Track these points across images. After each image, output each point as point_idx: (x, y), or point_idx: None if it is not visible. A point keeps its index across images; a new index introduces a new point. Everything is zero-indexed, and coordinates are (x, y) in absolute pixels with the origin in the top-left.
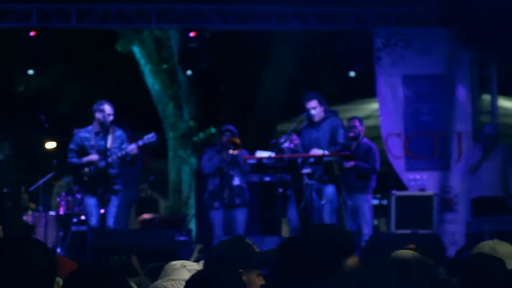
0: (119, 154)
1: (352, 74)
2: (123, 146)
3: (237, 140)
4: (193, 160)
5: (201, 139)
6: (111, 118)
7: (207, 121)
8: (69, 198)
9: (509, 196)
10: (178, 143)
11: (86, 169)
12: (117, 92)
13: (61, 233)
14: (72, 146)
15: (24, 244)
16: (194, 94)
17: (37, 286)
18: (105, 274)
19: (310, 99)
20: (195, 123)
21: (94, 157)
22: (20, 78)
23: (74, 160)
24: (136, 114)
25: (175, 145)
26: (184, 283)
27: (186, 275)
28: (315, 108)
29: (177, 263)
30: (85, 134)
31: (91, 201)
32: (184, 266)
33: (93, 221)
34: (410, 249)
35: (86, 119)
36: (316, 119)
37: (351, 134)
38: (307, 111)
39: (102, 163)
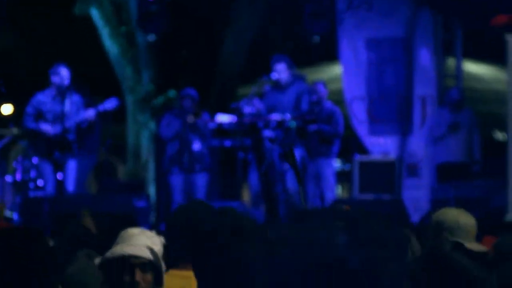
0: (77, 120)
1: (316, 38)
2: (80, 111)
3: (198, 107)
4: (152, 125)
5: (160, 103)
6: (67, 82)
7: (167, 85)
8: (26, 162)
9: (474, 162)
10: (137, 107)
11: (42, 134)
12: (74, 55)
13: (17, 199)
14: (28, 109)
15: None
16: (153, 57)
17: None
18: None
19: (278, 61)
20: (154, 87)
21: (48, 128)
22: None
23: (31, 124)
24: (94, 78)
25: (133, 109)
26: (146, 248)
27: (147, 241)
28: (282, 71)
29: (135, 229)
30: (42, 97)
31: (47, 167)
32: (143, 233)
33: (49, 187)
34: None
35: (43, 83)
36: (283, 82)
37: (314, 98)
38: (274, 72)
39: (59, 128)
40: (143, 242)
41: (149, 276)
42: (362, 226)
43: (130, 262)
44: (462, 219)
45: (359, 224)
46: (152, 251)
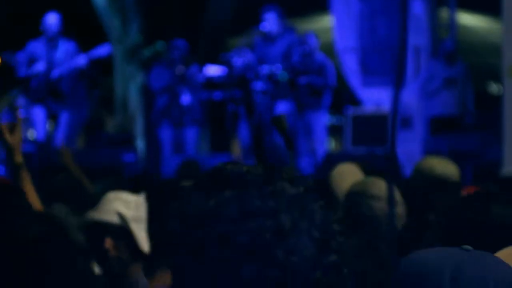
0: (69, 67)
1: None
2: (73, 59)
3: (187, 59)
4: (141, 77)
5: (149, 55)
6: (58, 29)
7: (155, 36)
8: (11, 115)
9: (468, 114)
10: (124, 59)
11: (35, 80)
12: (62, 4)
13: (2, 153)
14: (21, 56)
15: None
16: (141, 8)
17: None
18: None
19: (268, 11)
20: (142, 38)
21: (41, 67)
22: None
23: (23, 72)
24: (80, 29)
25: (121, 60)
26: (115, 214)
27: (120, 207)
28: (272, 22)
29: (113, 194)
30: (35, 45)
31: (38, 112)
32: (120, 198)
33: (40, 134)
34: None
35: (34, 31)
36: (273, 33)
37: (305, 49)
38: (264, 22)
39: (51, 75)
40: (113, 207)
41: (121, 244)
42: (253, 192)
43: (100, 229)
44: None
45: (251, 189)
46: (122, 217)
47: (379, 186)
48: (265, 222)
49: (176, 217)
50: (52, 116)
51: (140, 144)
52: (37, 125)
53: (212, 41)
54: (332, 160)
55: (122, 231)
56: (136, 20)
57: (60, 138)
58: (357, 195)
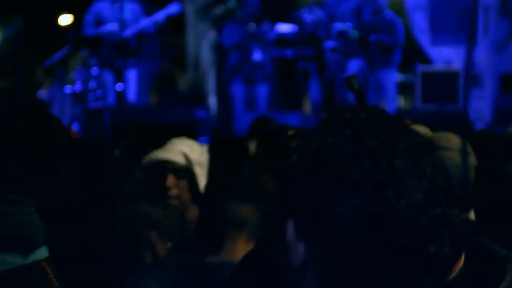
0: (137, 27)
1: None
2: (140, 18)
3: (259, 16)
4: (213, 34)
5: (221, 12)
6: None
7: None
8: (85, 73)
9: None
10: (196, 17)
11: (103, 42)
12: None
13: (77, 110)
14: (88, 17)
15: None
16: None
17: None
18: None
19: None
20: None
21: (110, 28)
22: None
23: (90, 32)
24: None
25: (193, 18)
26: (180, 154)
27: (185, 148)
28: None
29: (177, 138)
30: (101, 6)
31: (107, 76)
32: (184, 142)
33: (110, 97)
34: (409, 123)
35: None
36: None
37: (375, 7)
38: None
39: (120, 35)
40: (179, 148)
41: (183, 182)
42: (370, 134)
43: (164, 167)
44: None
45: (369, 131)
46: (186, 156)
47: (449, 138)
48: (380, 162)
49: (295, 152)
50: (122, 74)
51: (212, 101)
52: (107, 85)
53: None
54: (402, 117)
55: (186, 171)
56: None
57: (129, 96)
58: (440, 148)
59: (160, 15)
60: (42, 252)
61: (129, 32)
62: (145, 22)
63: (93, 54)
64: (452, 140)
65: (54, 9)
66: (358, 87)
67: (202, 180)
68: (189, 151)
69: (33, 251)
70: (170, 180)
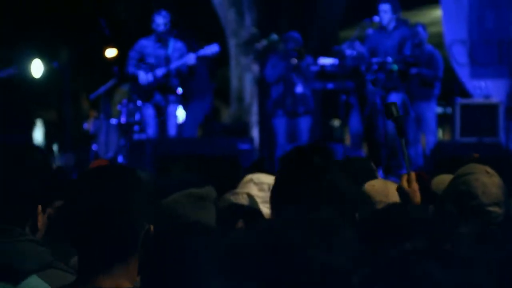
0: (178, 64)
1: None
2: (183, 57)
3: (300, 50)
4: (256, 67)
5: (264, 46)
6: (168, 27)
7: (268, 28)
8: (130, 105)
9: None
10: (240, 51)
11: (145, 78)
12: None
13: (122, 142)
14: (131, 53)
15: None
16: (256, 0)
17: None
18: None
19: (384, 2)
20: (257, 30)
21: (143, 77)
22: None
23: (133, 68)
24: (197, 22)
25: (236, 52)
26: (246, 196)
27: (253, 189)
28: (386, 12)
29: (248, 176)
30: (145, 42)
31: (149, 111)
32: (251, 180)
33: (151, 131)
34: (474, 158)
35: (146, 27)
36: (385, 23)
37: (415, 41)
38: (378, 14)
39: (160, 72)
40: (248, 189)
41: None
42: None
43: (232, 210)
44: None
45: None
46: (251, 199)
47: (472, 165)
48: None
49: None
50: (165, 109)
51: (254, 133)
52: (148, 119)
53: (325, 32)
54: (441, 149)
55: (254, 212)
56: (250, 13)
57: (170, 130)
58: (464, 174)
59: (198, 54)
60: (33, 281)
61: (168, 69)
62: (184, 60)
63: (134, 89)
64: (475, 167)
65: (100, 43)
66: (398, 114)
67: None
68: (256, 191)
69: (24, 279)
70: (240, 223)
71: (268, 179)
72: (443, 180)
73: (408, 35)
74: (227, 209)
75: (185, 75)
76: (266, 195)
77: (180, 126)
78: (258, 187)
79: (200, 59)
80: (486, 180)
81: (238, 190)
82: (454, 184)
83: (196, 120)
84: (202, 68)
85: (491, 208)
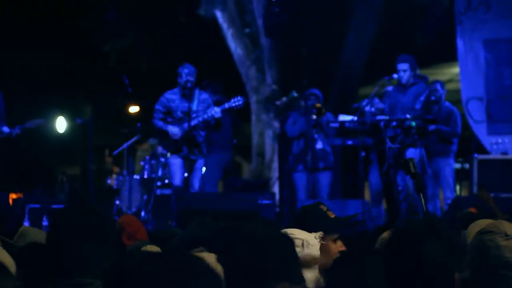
0: (204, 117)
1: (433, 39)
2: (208, 110)
3: (320, 107)
4: (276, 124)
5: (284, 103)
6: (192, 80)
7: (289, 85)
8: (153, 161)
9: None
10: (261, 107)
11: (173, 131)
12: (199, 56)
13: (145, 197)
14: (158, 106)
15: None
16: (276, 58)
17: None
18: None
19: (403, 61)
20: (278, 87)
21: (174, 131)
22: (105, 43)
23: (159, 123)
24: (219, 78)
25: (258, 109)
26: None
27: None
28: (405, 71)
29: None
30: (171, 95)
31: (176, 161)
32: (297, 237)
33: (177, 181)
34: (471, 212)
35: (170, 82)
36: (404, 81)
37: (433, 98)
38: (398, 71)
39: (186, 125)
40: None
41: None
42: None
43: None
44: None
45: None
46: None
47: (509, 226)
48: None
49: None
50: (189, 162)
51: (275, 188)
52: (174, 170)
53: (345, 90)
54: (459, 204)
55: None
56: (271, 70)
57: (195, 184)
58: (487, 233)
59: (224, 107)
60: None
61: (194, 122)
62: (210, 113)
63: (161, 142)
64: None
65: (123, 99)
66: (415, 170)
67: (308, 275)
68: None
69: None
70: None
71: (302, 235)
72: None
73: (422, 90)
74: None
75: (211, 128)
76: (300, 250)
77: (202, 180)
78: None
79: (225, 111)
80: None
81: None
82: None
83: (217, 174)
84: (226, 121)
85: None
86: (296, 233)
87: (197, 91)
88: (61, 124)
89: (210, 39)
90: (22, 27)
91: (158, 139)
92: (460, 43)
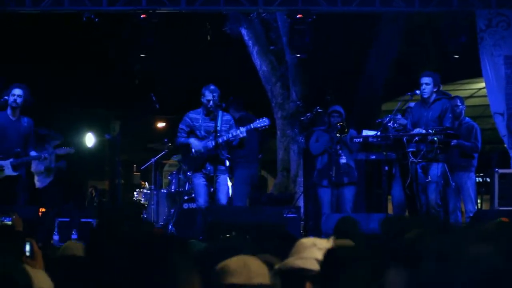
0: (229, 136)
1: (455, 56)
2: (231, 130)
3: (343, 125)
4: (301, 139)
5: (309, 119)
6: (216, 100)
7: (314, 101)
8: (180, 176)
9: None
10: (286, 123)
11: (197, 148)
12: (225, 73)
13: (172, 211)
14: (182, 126)
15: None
16: (301, 75)
17: None
18: None
19: (426, 76)
20: (302, 103)
21: (197, 144)
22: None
23: (183, 140)
24: (244, 95)
25: (283, 124)
26: (315, 261)
27: (317, 254)
28: (428, 84)
29: (307, 241)
30: (194, 115)
31: (199, 181)
32: (315, 245)
33: (201, 201)
34: (503, 221)
35: (195, 100)
36: (426, 95)
37: (456, 113)
38: (420, 86)
39: (210, 144)
40: (311, 254)
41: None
42: None
43: (300, 274)
44: None
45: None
46: (319, 263)
47: None
48: None
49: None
50: (214, 179)
51: (300, 203)
52: (198, 190)
53: (368, 106)
54: (480, 217)
55: (319, 276)
56: (295, 86)
57: (221, 198)
58: None
59: (249, 128)
60: None
61: (218, 141)
62: (234, 133)
63: (185, 159)
64: None
65: (151, 114)
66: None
67: None
68: (319, 255)
69: None
70: (308, 286)
71: (326, 244)
72: None
73: (449, 107)
74: (296, 273)
75: (234, 147)
76: None
77: (230, 195)
78: (322, 252)
79: (250, 131)
80: None
81: (303, 254)
82: None
83: (244, 188)
84: (253, 137)
85: None
86: (324, 243)
87: (220, 112)
88: (90, 140)
89: (237, 57)
90: (59, 51)
91: (181, 157)
92: (483, 59)
